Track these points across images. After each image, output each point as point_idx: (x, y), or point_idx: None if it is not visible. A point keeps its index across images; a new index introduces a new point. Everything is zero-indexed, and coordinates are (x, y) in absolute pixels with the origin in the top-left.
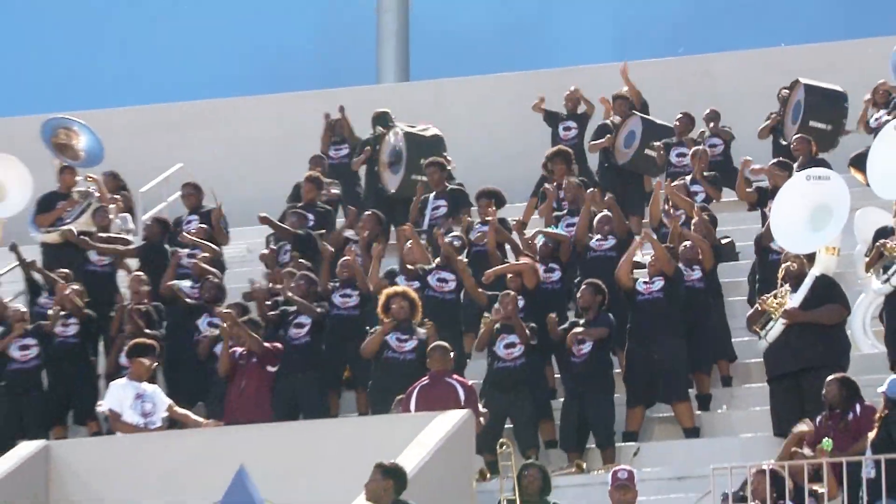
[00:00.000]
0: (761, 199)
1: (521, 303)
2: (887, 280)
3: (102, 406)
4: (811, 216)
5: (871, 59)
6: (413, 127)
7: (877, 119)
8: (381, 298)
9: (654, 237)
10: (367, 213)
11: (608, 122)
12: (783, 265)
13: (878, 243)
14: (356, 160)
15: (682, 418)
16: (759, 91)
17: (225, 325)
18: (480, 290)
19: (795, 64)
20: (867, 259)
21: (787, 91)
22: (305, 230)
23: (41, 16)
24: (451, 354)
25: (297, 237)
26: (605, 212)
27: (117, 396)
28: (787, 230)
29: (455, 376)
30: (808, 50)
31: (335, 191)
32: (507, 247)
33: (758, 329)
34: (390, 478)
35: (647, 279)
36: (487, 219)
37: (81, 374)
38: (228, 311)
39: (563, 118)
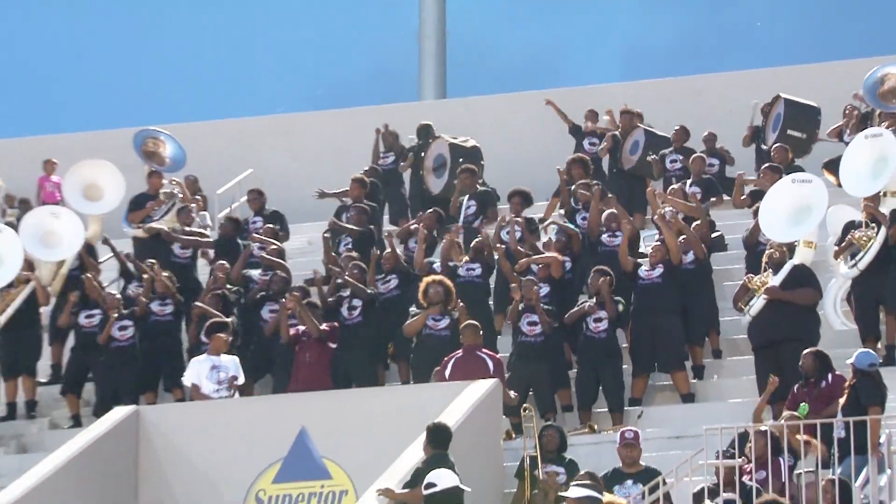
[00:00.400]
0: (755, 202)
1: (546, 290)
2: (854, 265)
3: (185, 380)
4: (794, 212)
5: (840, 79)
6: (455, 139)
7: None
8: (422, 286)
9: (669, 228)
10: (430, 210)
11: (616, 133)
12: (767, 252)
13: (848, 234)
14: (403, 164)
15: (679, 385)
16: (744, 107)
17: (290, 306)
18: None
19: (775, 84)
20: (837, 248)
21: (770, 105)
22: (366, 227)
23: (136, 43)
24: (481, 332)
25: (360, 233)
26: (612, 210)
27: (196, 370)
28: (772, 222)
29: (485, 350)
30: (785, 71)
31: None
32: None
33: (742, 306)
34: (427, 434)
35: (647, 267)
36: (517, 219)
37: (172, 348)
38: (295, 294)
39: (588, 133)
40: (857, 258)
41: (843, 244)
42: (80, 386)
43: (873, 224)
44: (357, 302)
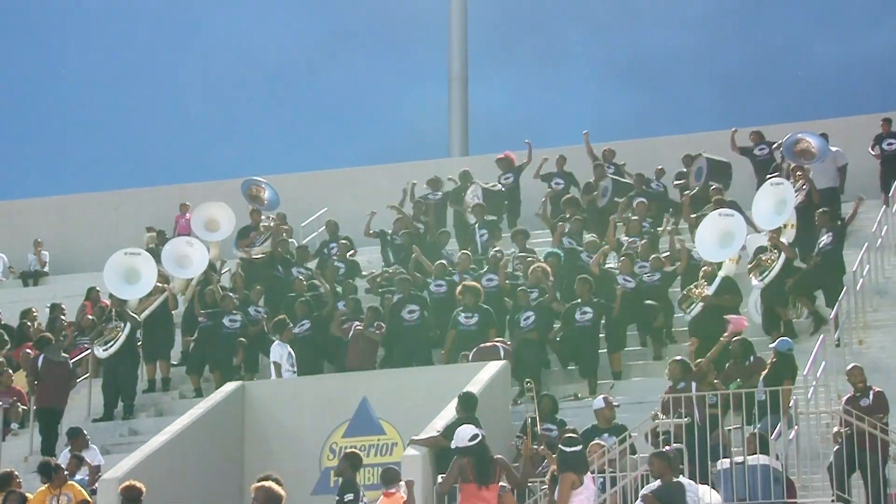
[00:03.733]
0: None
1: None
2: (762, 279)
3: (272, 357)
4: (721, 238)
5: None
6: (487, 184)
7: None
8: (458, 290)
9: None
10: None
11: (591, 181)
12: (702, 268)
13: (756, 257)
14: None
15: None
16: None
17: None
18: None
19: (704, 144)
20: (750, 265)
21: (692, 158)
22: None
23: (242, 117)
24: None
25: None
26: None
27: (278, 352)
28: (705, 247)
29: (497, 340)
30: (709, 135)
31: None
32: None
33: (685, 308)
34: (458, 400)
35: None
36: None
37: (267, 338)
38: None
39: (555, 175)
40: (764, 275)
41: (754, 264)
42: (201, 368)
43: (775, 250)
44: (414, 306)
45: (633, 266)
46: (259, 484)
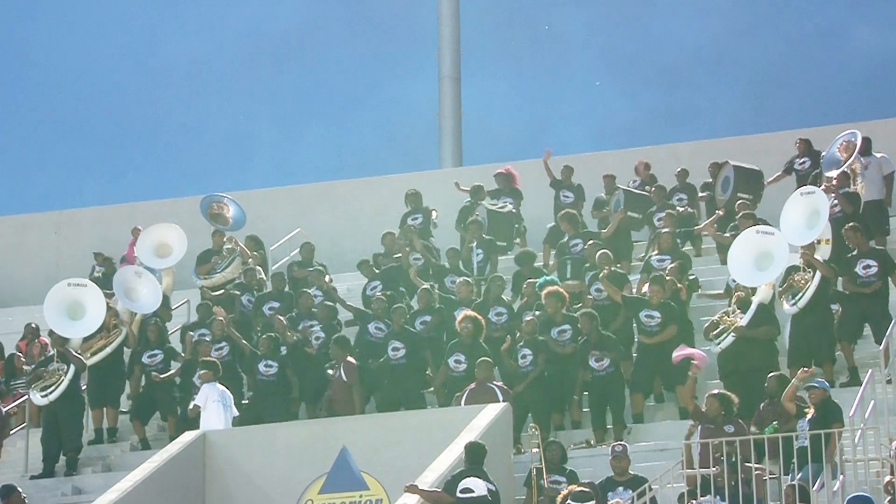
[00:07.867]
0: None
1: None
2: (794, 304)
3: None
4: (758, 259)
5: (780, 146)
6: (494, 205)
7: None
8: (459, 318)
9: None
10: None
11: (602, 196)
12: (735, 294)
13: (788, 277)
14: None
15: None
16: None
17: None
18: None
19: (719, 152)
20: (780, 289)
21: (718, 167)
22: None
23: (204, 128)
24: (494, 368)
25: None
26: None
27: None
28: (740, 269)
29: (495, 382)
30: (726, 141)
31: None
32: None
33: (712, 338)
34: (465, 452)
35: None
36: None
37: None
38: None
39: (564, 187)
40: (797, 297)
41: (785, 286)
42: (147, 415)
43: (809, 269)
44: (399, 344)
45: (665, 295)
46: None
